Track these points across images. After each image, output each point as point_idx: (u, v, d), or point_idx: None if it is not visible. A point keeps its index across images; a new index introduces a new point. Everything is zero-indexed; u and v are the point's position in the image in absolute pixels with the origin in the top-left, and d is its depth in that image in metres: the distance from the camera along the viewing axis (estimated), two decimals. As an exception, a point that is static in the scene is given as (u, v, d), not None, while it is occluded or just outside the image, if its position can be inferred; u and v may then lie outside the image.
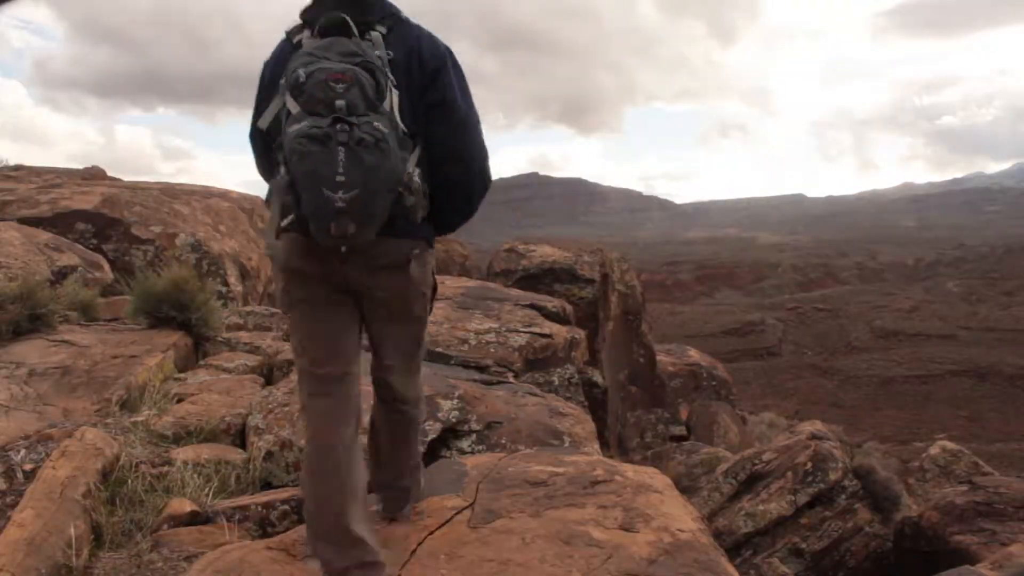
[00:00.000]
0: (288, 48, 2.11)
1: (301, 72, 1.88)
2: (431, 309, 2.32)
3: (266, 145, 2.13)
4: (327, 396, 2.11)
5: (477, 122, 2.20)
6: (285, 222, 1.97)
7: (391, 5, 2.17)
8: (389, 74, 1.98)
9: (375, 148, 1.86)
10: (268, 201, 2.06)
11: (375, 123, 1.88)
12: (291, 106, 1.90)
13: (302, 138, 1.84)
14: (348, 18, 1.98)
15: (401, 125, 1.98)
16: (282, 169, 1.93)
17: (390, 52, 2.04)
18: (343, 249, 1.96)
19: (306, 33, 2.07)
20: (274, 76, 2.08)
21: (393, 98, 1.98)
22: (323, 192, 1.83)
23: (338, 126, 1.84)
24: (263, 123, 2.06)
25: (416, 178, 2.03)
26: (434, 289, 2.30)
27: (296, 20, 2.10)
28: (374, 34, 2.04)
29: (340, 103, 1.85)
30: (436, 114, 2.13)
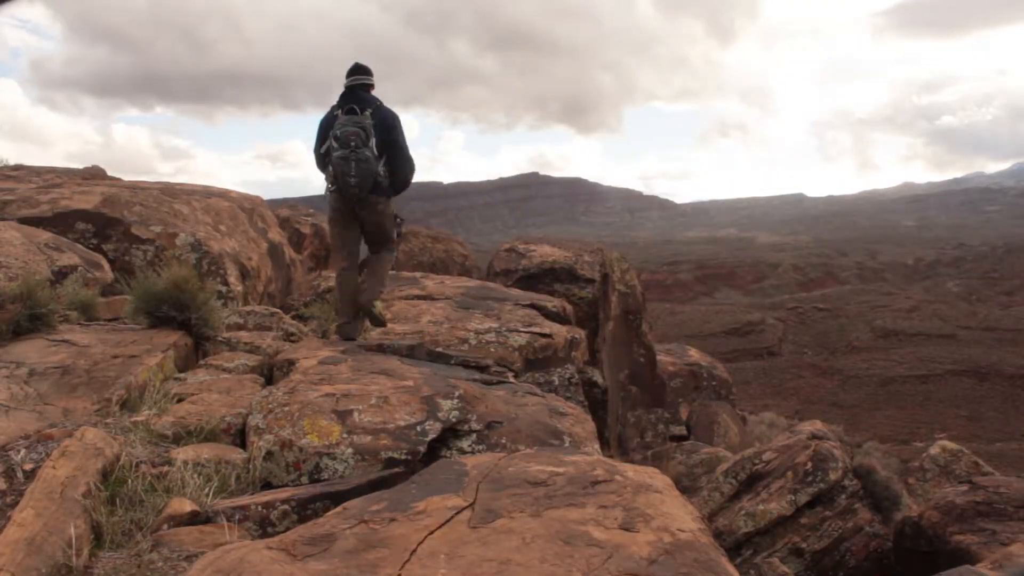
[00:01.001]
0: (331, 116, 5.06)
1: (338, 131, 4.88)
2: (398, 232, 5.56)
3: (321, 158, 5.11)
4: (344, 259, 5.31)
5: (407, 149, 5.18)
6: (332, 188, 5.05)
7: (376, 99, 5.12)
8: (372, 130, 4.92)
9: (365, 162, 4.87)
10: (326, 179, 5.12)
11: (365, 152, 4.86)
12: (333, 144, 4.90)
13: (338, 158, 4.86)
14: (356, 107, 4.97)
15: (375, 152, 4.95)
16: (330, 168, 4.96)
17: (373, 120, 4.96)
18: (354, 199, 5.03)
19: (339, 111, 5.00)
20: (326, 127, 5.06)
21: (373, 141, 4.93)
22: (346, 178, 4.87)
23: (352, 153, 4.83)
24: (323, 150, 5.06)
25: (382, 172, 5.03)
26: (400, 220, 5.51)
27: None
28: (367, 112, 4.97)
29: (352, 143, 4.83)
30: (391, 147, 5.08)
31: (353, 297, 5.24)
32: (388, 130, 5.02)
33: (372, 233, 5.35)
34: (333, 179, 4.99)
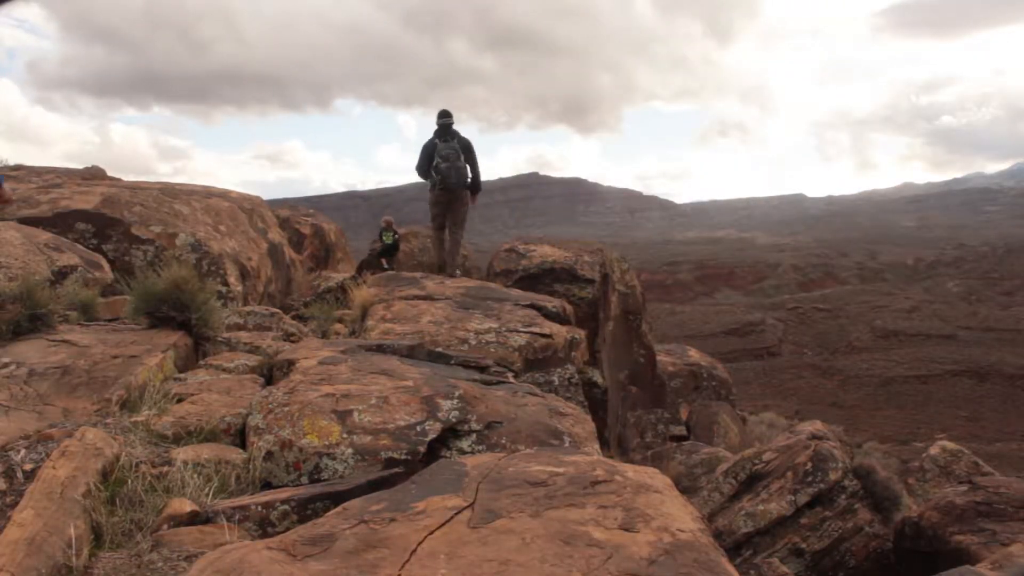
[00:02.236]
0: (432, 143, 8.68)
1: (443, 152, 8.57)
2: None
3: (425, 168, 8.71)
4: (439, 229, 8.94)
5: (478, 163, 8.82)
6: (439, 186, 8.65)
7: (457, 132, 8.70)
8: (460, 149, 8.62)
9: (460, 169, 8.64)
10: (431, 181, 8.78)
11: (459, 163, 8.61)
12: (439, 159, 8.55)
13: (445, 167, 8.55)
14: (449, 136, 8.67)
15: (463, 163, 8.66)
16: (435, 173, 8.62)
17: (459, 143, 8.64)
18: (450, 191, 8.68)
19: (439, 140, 8.62)
20: (431, 149, 8.65)
21: (461, 155, 8.63)
22: (449, 179, 8.59)
23: (452, 164, 8.57)
24: (432, 164, 8.62)
25: (468, 175, 8.75)
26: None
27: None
28: (455, 140, 8.63)
29: (452, 158, 8.56)
30: (471, 160, 8.76)
31: (442, 248, 8.93)
32: (467, 150, 8.73)
33: (456, 214, 8.82)
34: (440, 180, 8.57)
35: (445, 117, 8.68)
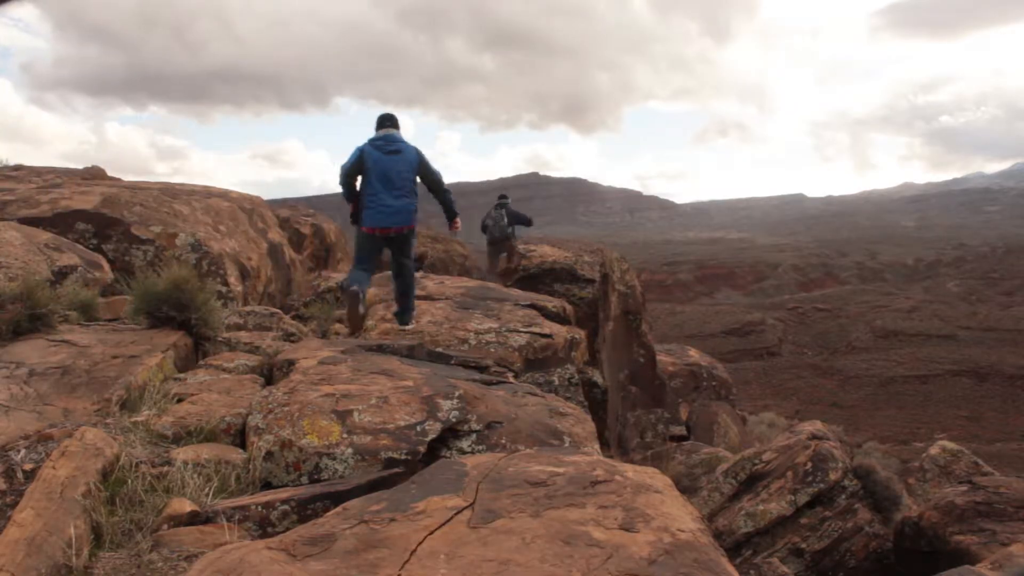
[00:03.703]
0: (488, 213, 11.61)
1: (493, 215, 11.30)
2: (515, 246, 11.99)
3: (483, 226, 11.67)
4: (493, 266, 11.51)
5: (519, 215, 11.71)
6: (487, 239, 11.39)
7: (506, 205, 11.64)
8: (504, 215, 11.33)
9: (503, 228, 11.30)
10: (486, 234, 11.54)
11: (503, 222, 11.24)
12: (488, 221, 11.38)
13: (492, 225, 11.40)
14: (500, 207, 11.61)
15: (506, 223, 11.32)
16: (484, 231, 11.54)
17: (506, 213, 11.30)
18: (494, 242, 11.34)
19: (493, 210, 11.54)
20: (486, 217, 11.65)
21: (504, 219, 11.29)
22: (492, 234, 11.35)
23: (496, 223, 11.31)
24: (487, 222, 11.55)
25: (507, 229, 11.48)
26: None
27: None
28: (503, 210, 11.37)
29: (498, 220, 11.31)
30: (514, 217, 11.30)
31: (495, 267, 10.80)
32: (513, 216, 11.19)
33: (504, 250, 10.94)
34: (488, 236, 11.20)
35: (502, 198, 12.46)
